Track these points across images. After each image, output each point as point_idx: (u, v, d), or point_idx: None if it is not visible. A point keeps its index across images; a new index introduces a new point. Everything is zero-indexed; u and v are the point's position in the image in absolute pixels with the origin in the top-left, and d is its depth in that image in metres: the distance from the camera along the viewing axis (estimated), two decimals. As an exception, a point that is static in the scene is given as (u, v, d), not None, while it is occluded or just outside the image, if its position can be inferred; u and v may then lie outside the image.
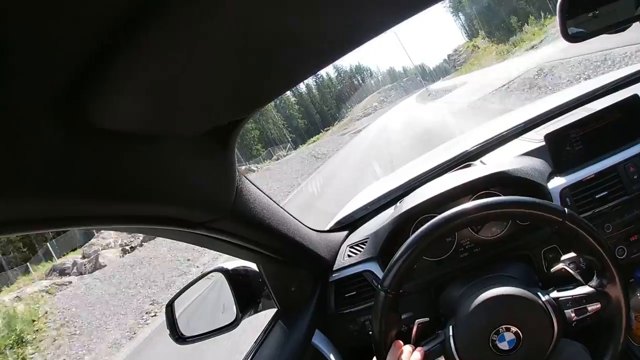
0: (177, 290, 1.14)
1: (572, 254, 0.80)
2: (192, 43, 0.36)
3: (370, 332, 1.06)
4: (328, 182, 13.78)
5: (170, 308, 1.11)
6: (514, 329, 0.74)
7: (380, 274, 1.09)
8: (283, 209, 0.97)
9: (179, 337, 1.08)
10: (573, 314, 0.75)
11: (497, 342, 0.75)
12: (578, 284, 0.77)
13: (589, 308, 0.74)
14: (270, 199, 0.90)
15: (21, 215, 0.39)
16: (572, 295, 0.75)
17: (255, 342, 1.09)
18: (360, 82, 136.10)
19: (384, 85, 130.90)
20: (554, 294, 0.77)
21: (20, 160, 0.35)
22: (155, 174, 0.53)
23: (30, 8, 0.26)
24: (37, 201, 0.39)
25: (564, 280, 0.79)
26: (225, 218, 0.72)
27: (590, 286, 0.75)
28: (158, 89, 0.41)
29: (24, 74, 0.31)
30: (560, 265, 0.79)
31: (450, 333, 0.79)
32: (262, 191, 0.86)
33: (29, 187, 0.37)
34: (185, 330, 1.09)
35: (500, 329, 0.75)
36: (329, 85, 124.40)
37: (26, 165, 0.36)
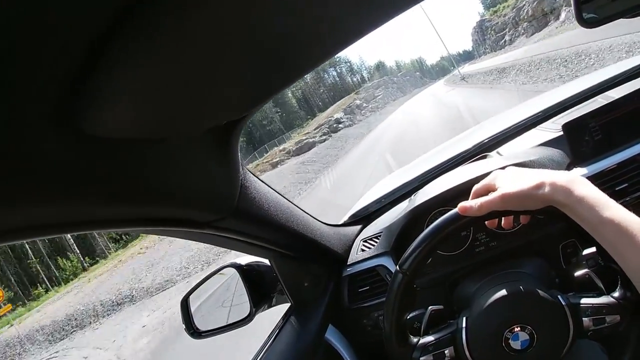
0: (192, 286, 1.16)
1: (591, 250, 0.77)
2: (183, 45, 0.36)
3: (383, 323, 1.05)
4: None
5: (185, 303, 1.12)
6: (529, 329, 0.73)
7: (393, 268, 1.08)
8: (293, 204, 0.97)
9: (194, 332, 1.10)
10: (590, 323, 0.72)
11: (510, 340, 0.73)
12: (600, 292, 0.75)
13: (608, 319, 0.71)
14: (279, 194, 0.90)
15: (31, 222, 0.40)
16: (592, 304, 0.72)
17: (268, 336, 1.09)
18: (336, 79, 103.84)
19: (370, 81, 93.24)
20: (574, 299, 0.74)
21: (24, 169, 0.36)
22: (156, 177, 0.53)
23: (16, 10, 0.26)
24: (44, 208, 0.40)
25: (584, 285, 0.76)
26: (231, 217, 0.72)
27: (613, 297, 0.73)
28: (151, 93, 0.41)
29: (20, 85, 0.31)
30: (584, 271, 0.76)
31: (464, 325, 0.78)
32: (270, 187, 0.86)
33: (36, 194, 0.38)
34: (200, 324, 1.11)
35: (515, 328, 0.73)
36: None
37: (31, 174, 0.37)
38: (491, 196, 0.72)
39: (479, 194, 0.75)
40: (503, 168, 0.79)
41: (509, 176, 0.74)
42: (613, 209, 0.64)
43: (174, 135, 0.53)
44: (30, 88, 0.32)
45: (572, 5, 0.86)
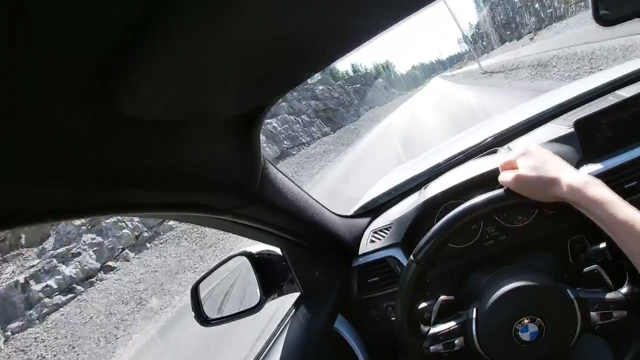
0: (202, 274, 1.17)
1: (601, 246, 0.78)
2: (217, 29, 0.36)
3: (393, 318, 1.06)
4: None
5: (195, 290, 1.13)
6: (538, 321, 0.74)
7: (403, 260, 1.09)
8: (307, 194, 0.98)
9: (203, 320, 1.11)
10: (597, 317, 0.73)
11: (519, 332, 0.75)
12: (608, 288, 0.76)
13: (615, 314, 0.72)
14: (295, 184, 0.91)
15: (52, 205, 0.40)
16: (599, 299, 0.74)
17: (278, 325, 1.10)
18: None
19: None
20: (583, 293, 0.76)
21: (49, 150, 0.36)
22: (181, 161, 0.54)
23: None
24: (67, 191, 0.40)
25: (593, 280, 0.78)
26: (251, 204, 0.73)
27: (621, 293, 0.74)
28: (183, 76, 0.41)
29: (51, 65, 0.31)
30: (593, 266, 0.78)
31: (474, 316, 0.79)
32: (286, 176, 0.87)
33: (60, 177, 0.39)
34: (210, 312, 1.12)
35: (525, 320, 0.74)
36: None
37: (56, 156, 0.37)
38: (508, 175, 0.77)
39: (504, 169, 0.81)
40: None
41: (531, 162, 0.76)
42: (627, 211, 0.67)
43: (202, 118, 0.53)
44: (63, 62, 0.32)
45: (590, 2, 0.87)
